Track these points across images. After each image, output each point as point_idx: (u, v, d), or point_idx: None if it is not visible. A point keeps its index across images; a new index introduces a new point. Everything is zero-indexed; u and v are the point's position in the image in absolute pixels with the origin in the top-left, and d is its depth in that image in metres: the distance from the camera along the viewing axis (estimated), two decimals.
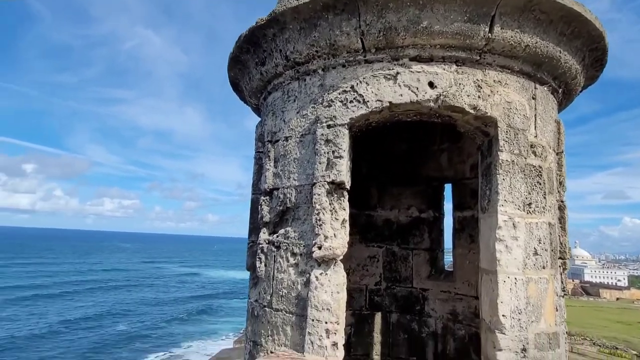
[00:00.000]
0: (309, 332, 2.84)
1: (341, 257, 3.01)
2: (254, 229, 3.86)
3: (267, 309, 3.29)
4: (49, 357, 29.08)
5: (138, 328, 39.40)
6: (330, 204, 3.01)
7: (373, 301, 5.39)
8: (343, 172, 2.99)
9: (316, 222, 2.98)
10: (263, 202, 3.57)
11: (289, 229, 3.28)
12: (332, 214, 3.01)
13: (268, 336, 3.21)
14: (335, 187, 3.03)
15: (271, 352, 3.09)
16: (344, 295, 2.98)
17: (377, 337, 5.34)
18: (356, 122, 3.05)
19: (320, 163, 3.04)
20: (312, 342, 2.81)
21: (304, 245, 3.13)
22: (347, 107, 3.00)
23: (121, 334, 37.16)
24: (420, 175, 5.44)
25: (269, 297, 3.30)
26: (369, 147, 5.36)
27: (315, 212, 3.00)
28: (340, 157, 2.99)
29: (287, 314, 3.10)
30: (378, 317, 5.37)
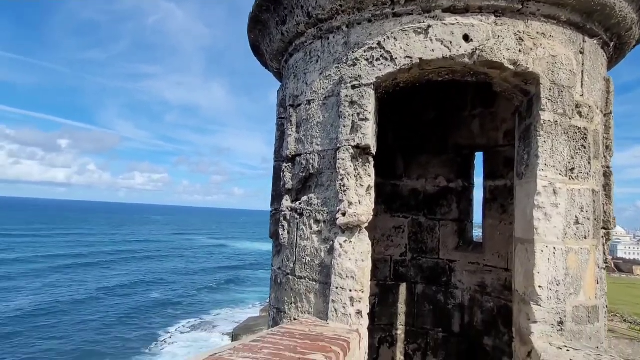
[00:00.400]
0: (332, 300, 2.78)
1: (366, 225, 2.90)
2: (277, 197, 3.79)
3: (290, 276, 3.25)
4: (90, 320, 30.95)
5: (170, 296, 41.26)
6: (355, 169, 2.87)
7: (398, 272, 5.30)
8: (368, 135, 2.83)
9: (340, 188, 2.86)
10: (285, 169, 3.47)
11: (312, 195, 3.18)
12: (356, 180, 2.87)
13: (291, 303, 3.18)
14: (360, 151, 2.88)
15: (295, 319, 3.06)
16: (368, 264, 2.88)
17: (401, 307, 5.28)
18: (383, 82, 2.85)
19: (344, 126, 2.89)
20: (335, 310, 2.75)
21: (327, 213, 3.03)
22: (374, 66, 2.80)
23: (154, 301, 39.00)
24: (449, 144, 5.19)
25: (292, 265, 3.25)
26: (395, 115, 5.13)
27: (340, 177, 2.87)
28: (366, 119, 2.82)
29: (311, 282, 3.04)
30: (403, 288, 5.29)
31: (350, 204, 2.82)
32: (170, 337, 30.16)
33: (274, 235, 3.69)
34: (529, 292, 2.56)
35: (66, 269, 49.64)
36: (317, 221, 3.09)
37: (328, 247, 2.97)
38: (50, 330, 27.66)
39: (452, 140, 5.15)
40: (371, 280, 4.72)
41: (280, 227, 3.43)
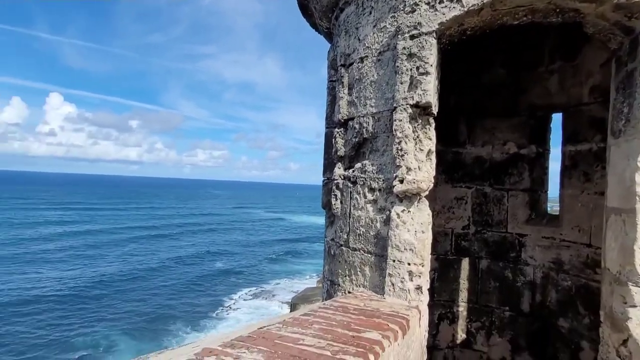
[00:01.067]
0: (389, 274, 2.57)
1: (426, 193, 2.61)
2: (329, 165, 3.59)
3: (343, 248, 3.08)
4: (163, 286, 33.68)
5: (233, 266, 43.58)
6: (413, 131, 2.57)
7: (460, 246, 4.94)
8: (429, 92, 2.50)
9: (397, 152, 2.59)
10: (337, 135, 3.24)
11: (366, 162, 2.94)
12: (415, 144, 2.58)
13: (345, 276, 3.02)
14: (420, 111, 2.57)
15: (349, 293, 2.91)
16: (429, 236, 2.62)
17: (463, 283, 4.95)
18: (447, 29, 2.48)
19: (401, 83, 2.58)
20: (393, 284, 2.54)
21: (383, 180, 2.78)
22: (436, 10, 2.44)
23: (219, 270, 41.42)
24: (521, 105, 4.62)
25: (345, 236, 3.07)
26: (458, 74, 4.65)
27: (397, 141, 2.59)
28: (426, 73, 2.49)
29: (366, 254, 2.85)
30: (465, 262, 4.94)
31: (409, 169, 2.54)
32: (234, 304, 31.99)
33: (327, 206, 3.52)
34: (626, 271, 2.15)
35: (141, 239, 54.15)
36: (371, 189, 2.86)
37: (384, 217, 2.74)
38: (129, 294, 30.56)
39: (525, 100, 4.58)
40: (431, 254, 4.43)
41: (333, 196, 3.24)
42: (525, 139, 4.62)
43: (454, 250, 4.94)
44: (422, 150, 2.60)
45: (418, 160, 2.57)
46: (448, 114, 4.81)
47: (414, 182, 2.52)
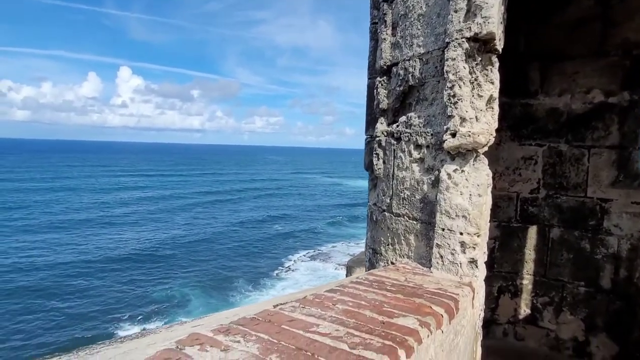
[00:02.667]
0: (437, 244, 2.18)
1: (485, 149, 2.15)
2: (371, 121, 3.18)
3: (386, 213, 2.72)
4: (227, 247, 35.70)
5: (290, 229, 44.97)
6: (470, 72, 2.08)
7: (526, 212, 4.34)
8: (492, 20, 1.98)
9: (449, 100, 2.12)
10: (379, 85, 2.81)
11: (411, 114, 2.50)
12: (473, 88, 2.09)
13: (388, 245, 2.69)
14: (479, 46, 2.06)
15: (392, 263, 2.58)
16: (487, 200, 2.17)
17: (529, 254, 4.39)
18: None
19: (455, 11, 2.07)
20: (441, 257, 2.16)
21: (431, 134, 2.34)
22: None
23: (277, 233, 43.00)
24: (611, 42, 3.78)
25: (388, 200, 2.70)
26: (530, 11, 3.89)
27: (449, 85, 2.12)
28: None
29: (411, 221, 2.48)
30: (532, 231, 4.35)
31: (463, 120, 2.08)
32: (292, 265, 33.22)
33: (369, 167, 3.15)
34: None
35: (206, 204, 57.46)
36: (418, 146, 2.44)
37: (432, 179, 2.32)
38: (197, 254, 32.82)
39: (617, 36, 3.73)
40: (490, 220, 3.93)
41: (375, 155, 2.86)
42: (615, 84, 3.81)
43: (520, 217, 4.36)
44: (481, 96, 2.11)
45: (475, 108, 2.10)
46: (517, 60, 4.12)
47: (470, 136, 2.06)
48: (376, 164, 2.83)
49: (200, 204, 57.08)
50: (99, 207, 50.92)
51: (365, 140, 3.35)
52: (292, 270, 32.23)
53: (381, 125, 2.80)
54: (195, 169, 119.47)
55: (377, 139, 2.82)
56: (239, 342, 1.07)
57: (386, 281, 1.90)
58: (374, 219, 2.95)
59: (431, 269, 2.20)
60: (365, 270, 3.05)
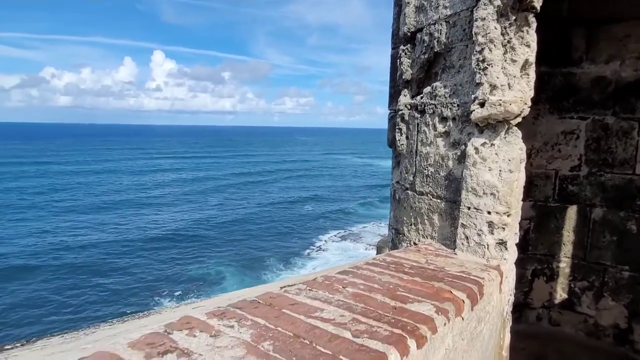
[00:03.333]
0: (462, 224, 2.02)
1: (518, 120, 1.94)
2: (394, 95, 2.99)
3: (409, 192, 2.57)
4: (260, 228, 36.38)
5: (321, 209, 45.23)
6: (502, 33, 1.86)
7: (565, 191, 4.04)
8: None
9: (478, 65, 1.92)
10: (402, 54, 2.61)
11: (436, 84, 2.30)
12: (505, 51, 1.88)
13: (411, 224, 2.54)
14: (513, 3, 1.83)
15: (414, 244, 2.44)
16: (519, 177, 1.98)
17: (567, 235, 4.10)
18: None
19: None
20: (467, 238, 2.00)
21: (457, 105, 2.14)
22: None
23: (308, 213, 43.37)
24: None
25: (411, 178, 2.54)
26: None
27: (477, 49, 1.92)
28: None
29: (434, 199, 2.31)
30: (572, 211, 4.05)
31: (494, 87, 1.88)
32: (323, 244, 33.55)
33: (392, 143, 2.98)
34: None
35: (238, 185, 58.60)
36: (443, 119, 2.25)
37: (458, 154, 2.14)
38: (229, 234, 33.68)
39: None
40: (525, 199, 3.69)
41: (397, 130, 2.69)
42: None
43: (558, 196, 4.06)
44: (515, 61, 1.89)
45: (508, 74, 1.88)
46: (559, 25, 3.75)
47: (500, 105, 1.86)
48: (399, 140, 2.67)
49: (233, 185, 58.28)
50: (137, 188, 53.08)
51: (389, 115, 3.17)
52: (323, 250, 32.53)
53: (404, 98, 2.61)
54: (228, 151, 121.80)
55: (400, 112, 2.64)
56: (232, 327, 0.99)
57: (405, 263, 1.77)
58: (397, 197, 2.80)
59: (455, 250, 2.05)
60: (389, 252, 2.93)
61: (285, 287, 1.36)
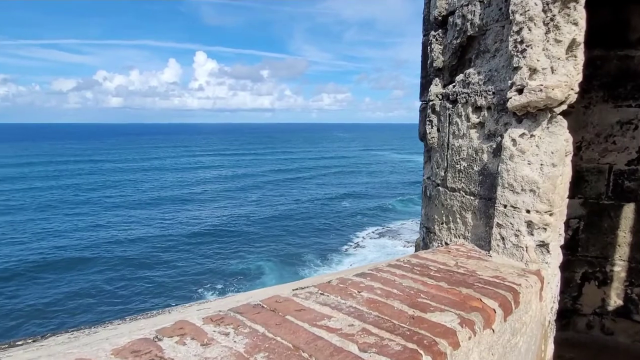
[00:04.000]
0: (498, 224, 1.84)
1: (562, 107, 1.73)
2: (425, 85, 2.81)
3: (440, 188, 2.39)
4: (298, 224, 36.71)
5: (359, 206, 44.96)
6: (544, 10, 1.66)
7: (621, 187, 3.66)
8: None
9: (515, 47, 1.73)
10: (433, 40, 2.44)
11: (470, 71, 2.12)
12: (548, 30, 1.67)
13: (442, 223, 2.37)
14: None
15: (445, 244, 2.27)
16: (564, 171, 1.77)
17: (623, 236, 3.72)
18: None
19: None
20: (502, 239, 1.82)
21: (493, 93, 1.95)
22: None
23: (346, 210, 43.24)
24: None
25: (442, 173, 2.37)
26: None
27: (515, 28, 1.72)
28: None
29: (467, 196, 2.13)
30: (628, 209, 3.67)
31: (534, 71, 1.68)
32: (361, 241, 33.35)
33: (423, 137, 2.80)
34: None
35: (277, 182, 59.44)
36: (477, 108, 2.06)
37: (493, 146, 1.95)
38: (268, 230, 34.22)
39: None
40: (573, 197, 3.39)
41: (428, 123, 2.52)
42: None
43: (612, 193, 3.69)
44: (559, 41, 1.68)
45: (550, 56, 1.68)
46: (613, 3, 3.39)
47: (541, 91, 1.66)
48: (429, 133, 2.50)
49: (271, 182, 59.19)
50: (180, 185, 55.23)
51: (420, 107, 2.99)
52: (361, 247, 32.33)
53: (435, 87, 2.44)
54: (266, 148, 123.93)
55: (431, 103, 2.47)
56: (227, 334, 0.91)
57: (431, 265, 1.63)
58: (428, 194, 2.64)
59: (490, 252, 1.87)
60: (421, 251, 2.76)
61: (297, 289, 1.27)
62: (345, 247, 31.09)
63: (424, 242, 2.71)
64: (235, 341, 0.88)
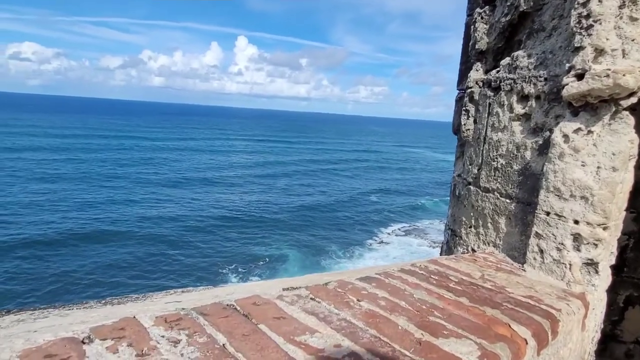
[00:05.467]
0: (537, 233, 1.56)
1: (632, 100, 1.42)
2: (465, 71, 2.50)
3: (471, 187, 2.11)
4: (325, 215, 36.57)
5: (387, 202, 44.38)
6: None
7: None
8: None
9: (578, 22, 1.42)
10: (478, 18, 2.13)
11: (518, 53, 1.81)
12: (622, 3, 1.36)
13: (470, 227, 2.10)
14: None
15: (472, 251, 2.00)
16: (625, 178, 1.46)
17: None
18: None
19: None
20: (541, 251, 1.54)
21: (545, 79, 1.65)
22: None
23: (374, 205, 42.83)
24: None
25: (475, 170, 2.08)
26: None
27: (580, 0, 1.42)
28: None
29: (502, 198, 1.85)
30: None
31: (600, 52, 1.37)
32: (386, 237, 32.95)
33: (457, 130, 2.51)
34: None
35: (307, 171, 59.50)
36: (523, 97, 1.76)
37: (539, 142, 1.66)
38: (294, 218, 34.31)
39: None
40: (627, 209, 2.99)
41: (464, 113, 2.23)
42: None
43: None
44: (636, 19, 1.37)
45: (623, 36, 1.37)
46: None
47: (608, 77, 1.35)
48: (464, 124, 2.21)
49: (301, 171, 59.32)
50: (213, 167, 56.34)
51: (457, 96, 2.69)
52: (385, 243, 31.97)
53: (475, 73, 2.14)
54: (299, 137, 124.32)
55: (470, 90, 2.18)
56: (177, 343, 0.72)
57: (452, 275, 1.38)
58: (457, 193, 2.35)
59: (524, 266, 1.59)
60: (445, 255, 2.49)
61: (287, 289, 1.07)
62: (370, 241, 30.74)
63: (448, 245, 2.44)
64: (183, 354, 0.69)
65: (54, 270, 20.65)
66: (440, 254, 2.60)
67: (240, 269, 23.52)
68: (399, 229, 35.96)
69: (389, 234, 34.37)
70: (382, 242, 32.09)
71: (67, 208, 31.17)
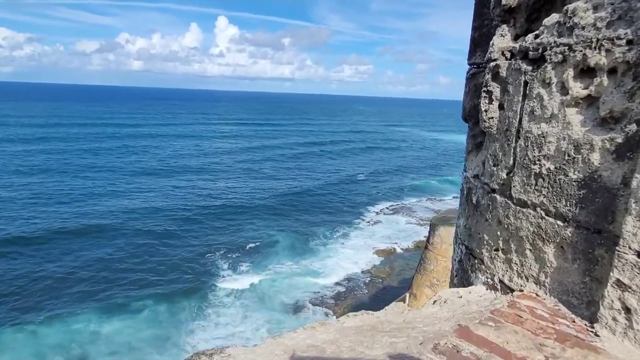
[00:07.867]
0: (619, 282, 1.01)
1: None
2: (479, 39, 1.90)
3: (497, 196, 1.55)
4: (314, 197, 36.18)
5: (375, 181, 44.21)
6: None
7: None
8: None
9: None
10: None
11: (575, 5, 1.23)
12: None
13: (496, 250, 1.55)
14: None
15: (500, 283, 1.46)
16: None
17: None
18: None
19: None
20: (627, 311, 1.00)
21: (628, 41, 1.07)
22: None
23: (362, 185, 42.57)
24: None
25: (504, 174, 1.52)
26: None
27: None
28: None
29: (551, 219, 1.29)
30: None
31: None
32: (375, 216, 32.98)
33: (469, 115, 1.93)
34: None
35: (294, 154, 58.62)
36: (586, 71, 1.19)
37: (618, 140, 1.09)
38: (282, 202, 33.79)
39: None
40: None
41: (484, 95, 1.65)
42: None
43: None
44: None
45: None
46: None
47: None
48: (485, 110, 1.63)
49: (288, 154, 58.49)
50: (198, 154, 55.00)
51: (467, 73, 2.09)
52: (374, 222, 32.07)
53: (501, 40, 1.55)
54: (285, 119, 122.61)
55: (493, 64, 1.59)
56: None
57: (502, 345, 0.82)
58: (474, 200, 1.79)
59: (596, 326, 1.05)
60: (451, 280, 1.95)
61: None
62: (358, 220, 30.52)
63: (462, 266, 1.89)
64: None
65: (35, 267, 19.84)
66: (451, 273, 2.06)
67: (229, 256, 23.03)
68: (387, 208, 35.78)
69: (377, 212, 34.14)
70: (370, 221, 31.89)
71: (46, 202, 29.91)
